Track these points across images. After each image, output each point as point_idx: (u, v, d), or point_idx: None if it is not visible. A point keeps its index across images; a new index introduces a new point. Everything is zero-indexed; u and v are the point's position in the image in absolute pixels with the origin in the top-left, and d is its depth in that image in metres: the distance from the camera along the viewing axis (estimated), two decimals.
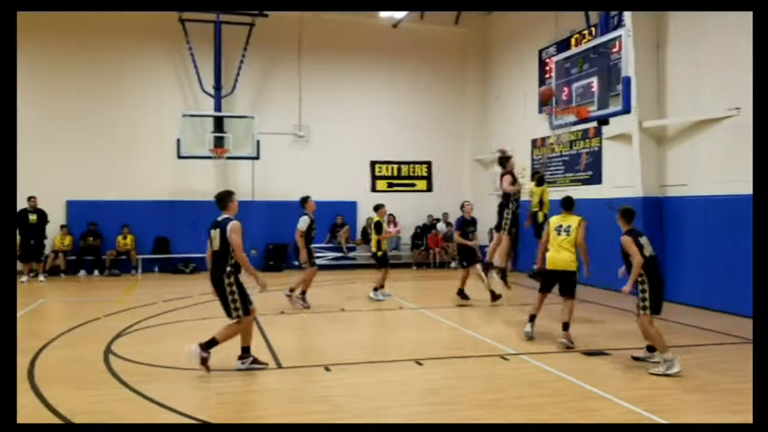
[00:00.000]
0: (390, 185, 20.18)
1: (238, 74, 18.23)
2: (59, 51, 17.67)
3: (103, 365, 7.28)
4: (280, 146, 18.84)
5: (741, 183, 10.72)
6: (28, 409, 5.63)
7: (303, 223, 11.54)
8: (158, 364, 7.31)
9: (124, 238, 17.56)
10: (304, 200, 11.86)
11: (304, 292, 11.82)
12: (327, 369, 7.15)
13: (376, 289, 12.78)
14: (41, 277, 15.59)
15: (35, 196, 15.94)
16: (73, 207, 17.66)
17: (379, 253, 12.77)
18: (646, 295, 7.33)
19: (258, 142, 17.33)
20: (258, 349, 8.20)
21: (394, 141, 20.07)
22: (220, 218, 7.16)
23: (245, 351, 7.16)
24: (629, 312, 9.58)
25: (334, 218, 19.22)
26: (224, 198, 7.29)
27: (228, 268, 6.92)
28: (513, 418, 5.56)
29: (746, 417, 5.53)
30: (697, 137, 11.83)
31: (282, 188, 18.61)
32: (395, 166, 20.24)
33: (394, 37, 19.70)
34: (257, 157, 17.47)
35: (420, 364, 7.39)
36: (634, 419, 5.51)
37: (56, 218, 16.90)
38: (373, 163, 20.05)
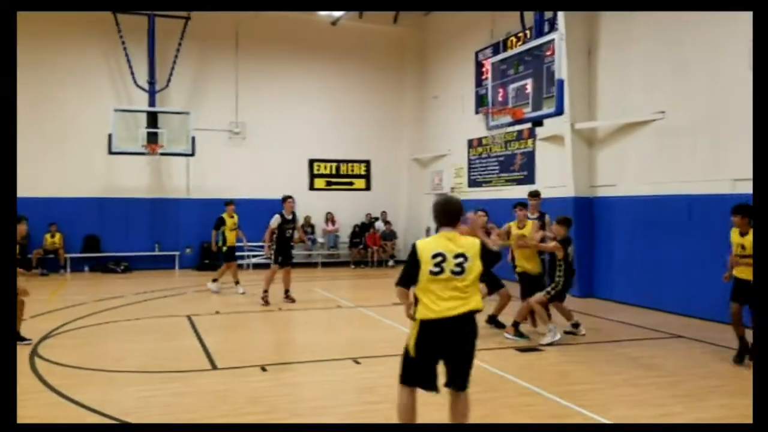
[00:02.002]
0: (328, 183, 20.13)
1: (172, 69, 17.77)
2: None
3: (28, 368, 6.98)
4: (216, 143, 18.50)
5: (666, 184, 11.19)
6: None
7: (274, 221, 11.96)
8: (86, 367, 7.07)
9: (52, 236, 16.88)
10: (283, 200, 12.16)
11: (265, 291, 11.87)
12: (263, 369, 7.06)
13: (215, 280, 13.53)
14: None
15: None
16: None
17: (224, 248, 13.52)
18: (559, 285, 8.52)
19: (193, 138, 16.93)
20: (192, 350, 8.05)
21: (333, 139, 20.01)
22: None
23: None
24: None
25: (272, 216, 18.95)
26: None
27: None
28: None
29: (669, 410, 5.77)
30: (626, 139, 12.27)
31: (217, 186, 18.27)
32: (334, 165, 20.19)
33: (333, 35, 19.64)
34: (192, 154, 17.08)
35: (358, 362, 7.39)
36: (567, 414, 5.67)
37: None
38: (311, 161, 19.94)
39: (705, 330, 9.36)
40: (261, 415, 5.56)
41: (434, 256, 4.26)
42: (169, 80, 17.80)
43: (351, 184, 20.42)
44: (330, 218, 19.71)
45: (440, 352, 4.33)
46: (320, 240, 19.68)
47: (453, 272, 4.25)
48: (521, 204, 9.63)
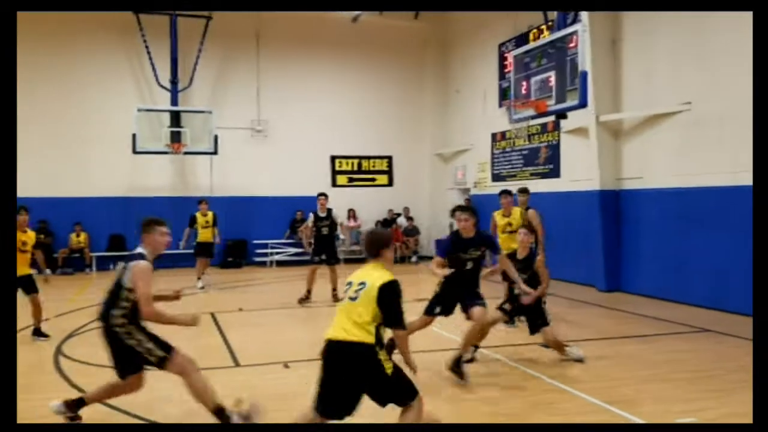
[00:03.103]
0: (350, 180, 20.10)
1: (195, 68, 17.87)
2: None
3: (52, 366, 7.05)
4: (239, 141, 18.57)
5: (693, 176, 10.96)
6: None
7: (309, 219, 12.12)
8: (110, 366, 7.09)
9: (78, 235, 17.10)
10: (317, 197, 12.18)
11: (308, 291, 11.80)
12: (286, 366, 7.04)
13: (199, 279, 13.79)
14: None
15: None
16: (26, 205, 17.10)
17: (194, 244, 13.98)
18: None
19: (216, 136, 17.01)
20: (217, 347, 8.06)
21: (355, 135, 19.97)
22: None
23: None
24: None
25: (294, 213, 19.04)
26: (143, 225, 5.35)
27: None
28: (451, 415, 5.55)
29: (701, 405, 5.63)
30: (652, 131, 12.04)
31: (241, 183, 18.36)
32: (355, 161, 20.16)
33: (354, 32, 19.56)
34: (215, 152, 17.15)
35: None
36: (594, 410, 5.55)
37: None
38: (333, 158, 19.93)
39: (736, 324, 9.15)
40: (284, 412, 5.51)
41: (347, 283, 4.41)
42: (191, 79, 17.90)
43: (373, 180, 20.38)
44: (352, 214, 19.68)
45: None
46: (342, 236, 19.63)
47: (350, 298, 4.27)
48: (506, 192, 9.76)
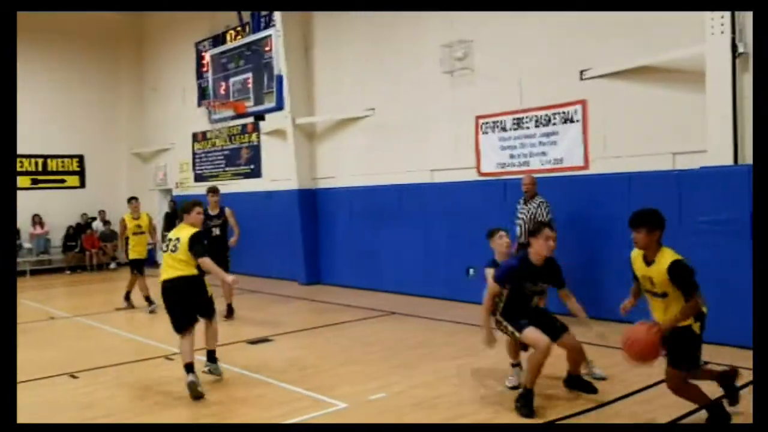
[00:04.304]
0: (35, 182, 18.02)
1: None
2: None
3: None
4: None
5: (378, 175, 12.20)
6: None
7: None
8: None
9: None
10: (207, 194, 10.35)
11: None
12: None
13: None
14: None
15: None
16: None
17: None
18: None
19: None
20: None
21: (39, 132, 17.89)
22: None
23: None
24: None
25: None
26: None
27: None
28: (176, 417, 5.54)
29: (388, 380, 6.36)
30: (342, 134, 13.07)
31: None
32: (40, 160, 18.13)
33: (43, 18, 17.48)
34: None
35: (75, 377, 6.84)
36: (296, 398, 5.92)
37: None
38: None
39: (415, 306, 10.44)
40: None
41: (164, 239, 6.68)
42: None
43: (62, 181, 18.55)
44: (38, 220, 17.71)
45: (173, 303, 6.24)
46: (27, 245, 17.57)
47: (170, 249, 6.26)
48: (133, 198, 11.38)
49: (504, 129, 10.06)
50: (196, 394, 5.87)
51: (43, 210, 17.79)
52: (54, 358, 7.94)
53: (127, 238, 11.04)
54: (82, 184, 18.87)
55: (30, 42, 17.31)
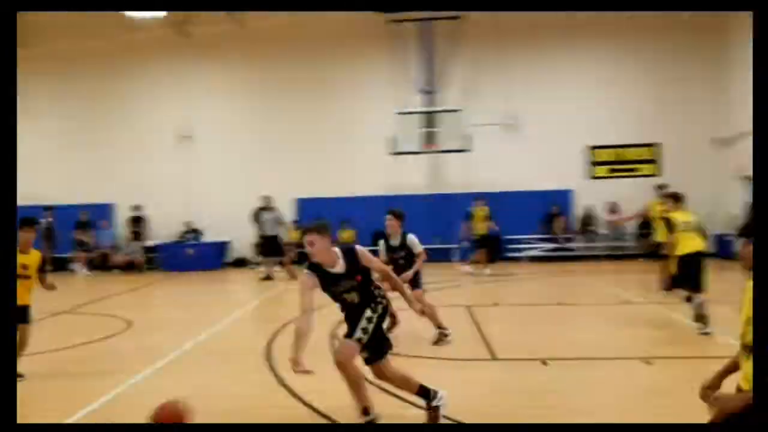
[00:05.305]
0: (612, 171, 18.88)
1: (446, 69, 18.30)
2: (275, 62, 19.31)
3: (327, 348, 7.61)
4: (490, 137, 18.54)
5: None
6: (265, 387, 6.18)
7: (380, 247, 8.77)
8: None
9: (345, 232, 18.53)
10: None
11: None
12: (544, 363, 6.76)
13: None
14: (277, 268, 16.89)
15: (269, 195, 17.46)
16: (301, 204, 19.14)
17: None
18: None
19: (468, 134, 17.26)
20: (472, 340, 8.08)
21: (613, 123, 18.72)
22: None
23: None
24: None
25: (549, 208, 18.49)
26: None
27: None
28: None
29: None
30: None
31: (492, 179, 18.33)
32: (615, 151, 18.88)
33: (605, 19, 18.29)
34: (468, 150, 17.40)
35: (650, 363, 6.67)
36: None
37: (289, 215, 18.25)
38: (591, 148, 18.93)
39: None
40: (538, 410, 5.31)
41: None
42: (443, 80, 18.36)
43: (635, 170, 18.90)
44: (612, 208, 18.48)
45: None
46: (602, 231, 18.58)
47: None
48: None
49: None
50: None
51: (618, 198, 18.29)
52: (630, 341, 7.99)
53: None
54: (656, 173, 18.61)
55: (597, 39, 18.10)
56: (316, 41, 19.12)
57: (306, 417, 5.28)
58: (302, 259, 18.02)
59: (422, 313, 6.08)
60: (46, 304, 9.87)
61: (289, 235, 18.37)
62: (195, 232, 19.22)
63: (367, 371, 5.00)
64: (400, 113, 17.63)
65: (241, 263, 19.37)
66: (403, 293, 5.15)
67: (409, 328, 9.19)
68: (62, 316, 10.92)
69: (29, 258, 6.50)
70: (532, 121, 18.77)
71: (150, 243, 19.21)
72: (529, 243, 18.48)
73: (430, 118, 17.66)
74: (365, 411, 4.84)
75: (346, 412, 5.10)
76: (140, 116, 20.00)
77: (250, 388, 6.25)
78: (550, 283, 14.14)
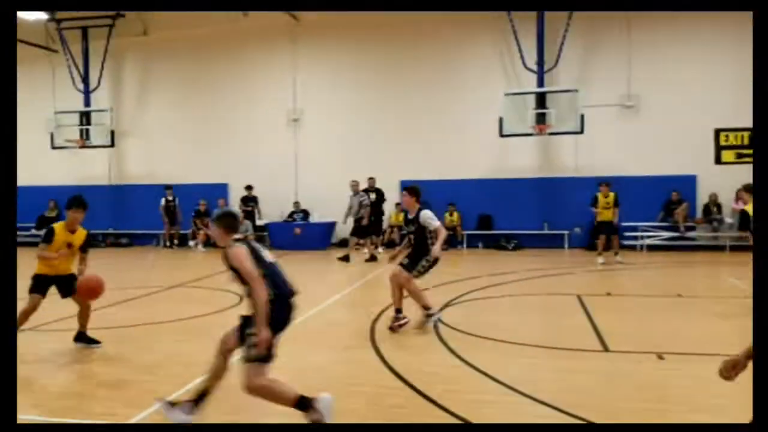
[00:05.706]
0: (740, 156, 17.51)
1: (561, 48, 17.59)
2: (383, 45, 19.28)
3: (432, 332, 7.57)
4: (606, 119, 17.70)
5: None
6: (370, 364, 6.24)
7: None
8: (477, 334, 7.36)
9: (451, 215, 18.39)
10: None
11: None
12: (660, 357, 6.36)
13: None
14: (380, 249, 17.04)
15: (374, 176, 17.58)
16: (404, 186, 19.12)
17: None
18: None
19: (582, 116, 16.54)
20: (582, 329, 7.76)
21: (742, 105, 17.31)
22: None
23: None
24: None
25: (669, 194, 17.46)
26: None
27: None
28: None
29: None
30: None
31: (607, 163, 17.52)
32: (746, 134, 17.49)
33: None
34: (581, 132, 16.69)
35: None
36: None
37: (392, 197, 18.34)
38: (717, 131, 17.65)
39: None
40: (650, 403, 5.02)
41: None
42: (557, 60, 17.67)
43: None
44: (740, 196, 17.17)
45: None
46: (728, 220, 17.32)
47: None
48: None
49: None
50: None
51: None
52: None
53: None
54: None
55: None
56: (424, 24, 18.93)
57: (409, 397, 5.24)
58: (401, 240, 18.20)
59: None
60: (169, 276, 10.41)
61: (392, 217, 18.47)
62: (303, 213, 19.71)
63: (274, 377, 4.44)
64: (508, 94, 17.19)
65: (344, 244, 19.73)
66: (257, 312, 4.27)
67: (516, 318, 8.98)
68: (179, 289, 11.54)
69: (75, 237, 6.73)
70: (654, 103, 17.74)
71: (261, 222, 19.89)
72: (646, 231, 17.56)
73: (542, 98, 17.09)
74: (301, 403, 4.34)
75: (451, 395, 5.02)
76: (254, 99, 20.65)
77: (356, 367, 6.30)
78: (668, 274, 13.37)
